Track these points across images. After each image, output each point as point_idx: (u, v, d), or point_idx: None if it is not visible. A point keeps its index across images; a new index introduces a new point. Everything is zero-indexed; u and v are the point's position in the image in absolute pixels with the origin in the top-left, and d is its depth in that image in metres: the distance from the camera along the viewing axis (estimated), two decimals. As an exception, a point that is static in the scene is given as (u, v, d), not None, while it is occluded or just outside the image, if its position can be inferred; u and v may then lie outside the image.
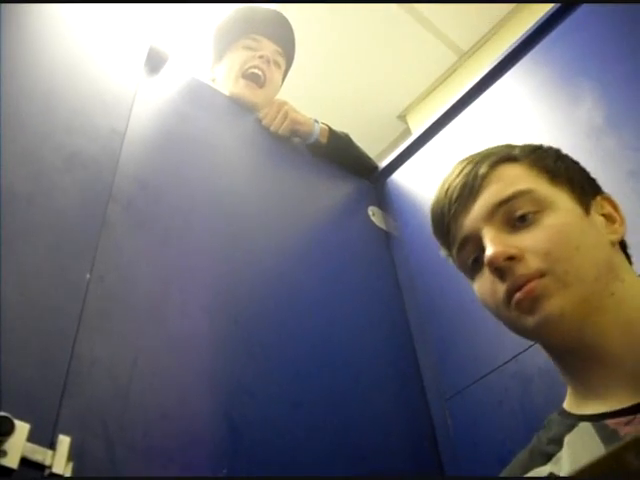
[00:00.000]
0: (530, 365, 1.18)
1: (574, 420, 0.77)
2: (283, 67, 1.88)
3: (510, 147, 0.89)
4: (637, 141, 1.17)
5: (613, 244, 0.81)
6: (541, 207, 0.79)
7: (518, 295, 0.75)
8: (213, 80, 1.83)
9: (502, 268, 0.76)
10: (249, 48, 1.80)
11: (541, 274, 0.75)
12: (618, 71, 1.27)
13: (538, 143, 0.90)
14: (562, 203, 0.80)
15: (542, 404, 1.13)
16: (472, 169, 0.85)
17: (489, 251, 0.77)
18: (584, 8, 1.40)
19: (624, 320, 0.75)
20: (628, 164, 1.16)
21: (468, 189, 0.83)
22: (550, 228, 0.78)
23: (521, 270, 0.75)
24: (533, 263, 0.75)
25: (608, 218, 0.83)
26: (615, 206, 0.85)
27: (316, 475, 1.08)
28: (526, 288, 0.75)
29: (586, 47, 1.36)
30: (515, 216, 0.80)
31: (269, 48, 1.82)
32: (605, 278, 0.76)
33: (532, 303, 0.75)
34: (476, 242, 0.82)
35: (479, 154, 0.88)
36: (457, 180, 0.85)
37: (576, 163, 0.88)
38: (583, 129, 1.27)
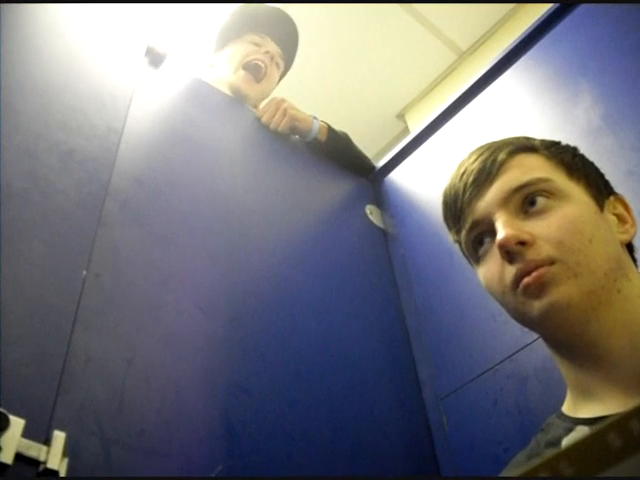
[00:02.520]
0: (525, 365, 1.19)
1: (571, 424, 0.76)
2: (281, 70, 1.89)
3: (529, 138, 0.89)
4: (635, 141, 1.17)
5: (622, 244, 0.81)
6: (557, 197, 0.79)
7: (526, 279, 0.75)
8: (211, 66, 1.84)
9: (513, 252, 0.76)
10: (254, 43, 1.82)
11: (552, 261, 0.74)
12: (617, 71, 1.27)
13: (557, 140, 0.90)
14: (578, 196, 0.80)
15: (537, 404, 1.13)
16: (490, 155, 0.85)
17: (501, 234, 0.77)
18: (583, 8, 1.40)
19: (627, 320, 0.75)
20: (626, 164, 1.16)
21: (485, 174, 0.83)
22: (565, 217, 0.77)
23: (532, 255, 0.75)
24: (544, 250, 0.75)
25: (620, 218, 0.84)
26: (628, 207, 0.86)
27: (313, 474, 1.08)
28: (535, 273, 0.74)
29: (585, 47, 1.36)
30: (529, 200, 0.80)
31: (273, 48, 1.84)
32: (614, 274, 0.76)
33: (540, 289, 0.74)
34: (487, 226, 0.82)
35: (497, 142, 0.88)
36: (474, 165, 0.85)
37: (591, 163, 0.88)
38: (581, 128, 1.27)
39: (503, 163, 0.83)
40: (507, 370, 1.22)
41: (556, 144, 0.88)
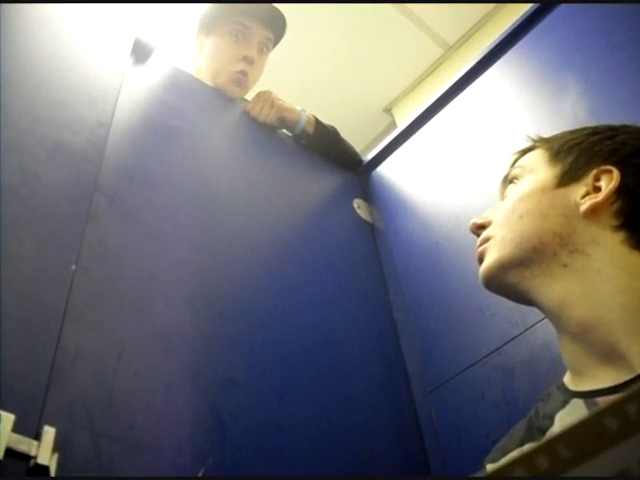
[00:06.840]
0: (512, 357, 1.20)
1: (568, 396, 0.77)
2: (271, 49, 1.85)
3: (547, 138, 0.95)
4: (620, 135, 1.18)
5: (583, 215, 0.79)
6: (519, 180, 0.89)
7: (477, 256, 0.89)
8: (200, 49, 1.81)
9: (477, 235, 0.91)
10: (237, 36, 1.75)
11: (487, 239, 0.87)
12: (602, 65, 1.28)
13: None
14: (534, 176, 0.87)
15: (524, 396, 1.14)
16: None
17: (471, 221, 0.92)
18: (569, 4, 1.41)
19: (585, 293, 0.76)
20: (611, 158, 1.16)
21: (504, 177, 0.96)
22: (508, 198, 0.88)
23: (480, 236, 0.90)
24: (486, 230, 0.89)
25: (595, 189, 0.81)
26: (612, 179, 0.81)
27: (302, 466, 1.09)
28: (477, 250, 0.89)
29: (571, 42, 1.37)
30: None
31: (259, 36, 1.78)
32: (551, 249, 0.79)
33: (480, 262, 0.88)
34: None
35: None
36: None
37: (611, 137, 0.86)
38: (567, 122, 1.28)
39: (511, 166, 0.94)
40: (494, 363, 1.23)
41: (564, 133, 0.91)
